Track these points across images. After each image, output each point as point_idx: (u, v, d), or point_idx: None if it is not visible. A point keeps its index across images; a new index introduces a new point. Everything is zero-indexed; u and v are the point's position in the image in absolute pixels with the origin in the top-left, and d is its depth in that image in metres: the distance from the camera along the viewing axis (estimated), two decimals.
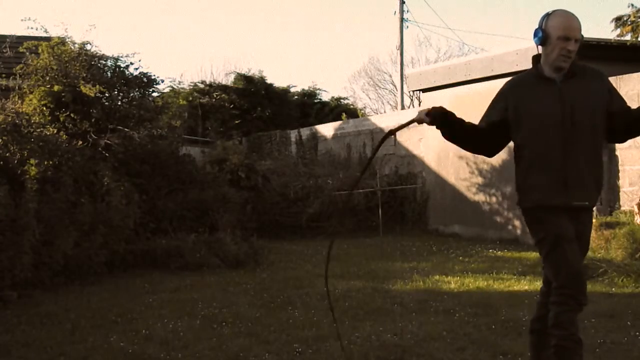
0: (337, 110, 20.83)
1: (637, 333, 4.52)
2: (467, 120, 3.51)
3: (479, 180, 11.03)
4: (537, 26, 3.27)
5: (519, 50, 9.78)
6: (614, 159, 8.91)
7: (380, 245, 10.02)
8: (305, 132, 15.70)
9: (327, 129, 15.30)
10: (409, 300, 5.92)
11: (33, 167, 7.04)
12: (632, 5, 9.99)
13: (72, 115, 8.90)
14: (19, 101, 8.83)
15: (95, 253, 7.44)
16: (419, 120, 3.54)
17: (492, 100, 3.47)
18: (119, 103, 9.78)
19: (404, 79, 19.61)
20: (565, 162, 3.19)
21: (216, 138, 15.55)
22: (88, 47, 9.56)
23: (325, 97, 22.79)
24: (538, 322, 3.39)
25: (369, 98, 36.76)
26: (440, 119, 3.48)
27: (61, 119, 8.82)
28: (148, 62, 48.42)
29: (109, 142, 9.07)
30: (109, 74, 9.67)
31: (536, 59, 3.36)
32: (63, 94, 8.90)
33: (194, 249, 8.28)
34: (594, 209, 3.57)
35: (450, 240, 10.61)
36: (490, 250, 9.26)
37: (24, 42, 9.63)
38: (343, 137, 14.50)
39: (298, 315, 5.43)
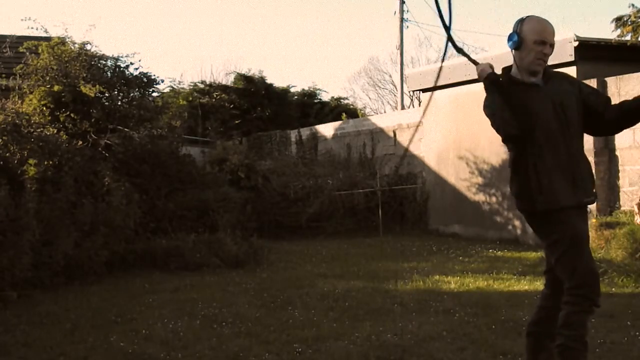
0: (337, 110, 20.82)
1: (637, 333, 4.52)
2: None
3: (479, 180, 11.03)
4: (511, 31, 3.30)
5: None
6: (614, 159, 8.91)
7: (380, 245, 10.02)
8: (305, 132, 15.70)
9: (327, 129, 15.30)
10: (409, 300, 5.92)
11: (32, 167, 7.04)
12: (633, 5, 9.97)
13: (72, 115, 8.90)
14: (19, 101, 8.84)
15: (95, 253, 7.44)
16: (481, 71, 3.29)
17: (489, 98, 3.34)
18: (119, 103, 9.78)
19: (404, 79, 19.61)
20: (569, 161, 3.23)
21: (216, 138, 15.55)
22: (88, 47, 9.57)
23: (325, 97, 22.79)
24: (536, 325, 3.39)
25: (369, 98, 36.82)
26: (496, 80, 3.24)
27: (61, 119, 8.82)
28: (148, 62, 48.55)
29: (109, 142, 9.08)
30: (109, 74, 9.67)
31: (507, 70, 3.37)
32: (63, 94, 8.91)
33: (194, 249, 8.28)
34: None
35: (450, 240, 10.61)
36: (490, 250, 9.25)
37: (24, 42, 9.63)
38: (343, 137, 14.50)
39: (298, 315, 5.43)
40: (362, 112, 23.52)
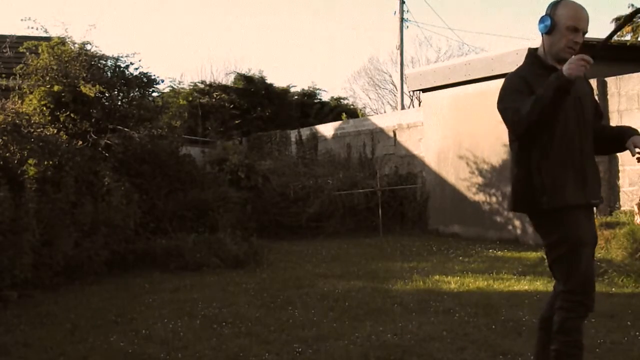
0: (337, 110, 20.81)
1: (637, 333, 4.52)
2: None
3: (479, 180, 11.03)
4: (544, 13, 3.13)
5: (519, 50, 9.77)
6: (614, 159, 8.91)
7: (380, 245, 10.02)
8: (305, 132, 15.70)
9: (327, 129, 15.30)
10: (409, 300, 5.92)
11: (32, 168, 7.04)
12: (632, 5, 9.99)
13: (72, 115, 8.90)
14: (19, 101, 8.83)
15: (95, 253, 7.44)
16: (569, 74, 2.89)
17: (512, 90, 3.14)
18: (119, 103, 9.78)
19: (404, 79, 19.61)
20: (582, 160, 3.11)
21: (216, 138, 15.55)
22: (88, 47, 9.56)
23: (325, 97, 22.79)
24: (547, 321, 3.28)
25: (369, 98, 36.75)
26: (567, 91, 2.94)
27: (61, 119, 8.82)
28: (148, 62, 48.48)
29: (109, 142, 9.07)
30: (109, 74, 9.66)
31: (532, 52, 3.24)
32: (63, 94, 8.91)
33: (194, 249, 8.28)
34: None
35: (450, 240, 10.61)
36: (490, 250, 9.25)
37: (24, 42, 9.62)
38: (343, 137, 14.50)
39: (298, 315, 5.43)
40: (362, 112, 23.51)
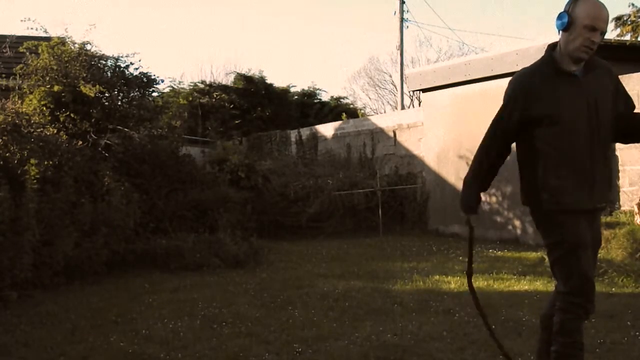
0: (337, 110, 20.82)
1: (637, 333, 4.52)
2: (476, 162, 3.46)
3: None
4: (562, 10, 3.07)
5: (519, 50, 9.78)
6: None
7: (380, 245, 10.02)
8: (305, 132, 15.70)
9: (327, 129, 15.30)
10: (409, 300, 5.92)
11: (33, 167, 7.04)
12: (632, 5, 9.99)
13: (72, 115, 8.90)
14: (19, 101, 8.83)
15: (95, 253, 7.44)
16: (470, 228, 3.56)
17: (504, 108, 3.18)
18: (119, 103, 9.78)
19: (404, 79, 19.61)
20: (592, 164, 3.05)
21: (216, 138, 15.55)
22: (88, 47, 9.57)
23: (325, 97, 22.80)
24: (550, 319, 3.27)
25: (369, 98, 36.78)
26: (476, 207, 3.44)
27: (61, 119, 8.82)
28: (148, 62, 48.49)
29: (109, 142, 9.08)
30: (109, 74, 9.67)
31: (552, 47, 3.15)
32: (63, 94, 8.91)
33: (194, 249, 8.28)
34: None
35: (450, 240, 10.61)
36: (490, 250, 9.25)
37: (24, 42, 9.63)
38: (343, 137, 14.50)
39: (298, 315, 5.43)
40: (362, 112, 23.51)
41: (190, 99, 19.42)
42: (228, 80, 22.53)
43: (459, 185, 11.72)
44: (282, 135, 16.30)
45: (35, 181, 6.87)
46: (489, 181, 3.43)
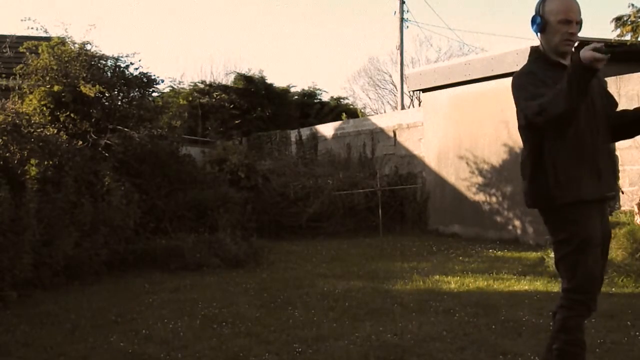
0: (337, 110, 20.82)
1: (637, 333, 4.52)
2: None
3: (479, 180, 11.03)
4: (533, 13, 3.10)
5: (519, 50, 9.78)
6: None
7: (380, 245, 10.02)
8: (305, 132, 15.70)
9: (327, 129, 15.30)
10: (409, 300, 5.92)
11: (33, 167, 7.04)
12: (632, 5, 9.96)
13: (72, 115, 8.90)
14: (19, 101, 8.84)
15: (95, 253, 7.44)
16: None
17: (527, 84, 3.07)
18: (119, 103, 9.78)
19: (404, 79, 19.61)
20: (596, 152, 3.06)
21: (216, 138, 15.54)
22: (88, 47, 9.57)
23: (325, 97, 22.80)
24: None
25: (369, 98, 36.83)
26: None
27: (61, 119, 8.82)
28: (148, 62, 48.52)
29: (109, 142, 9.08)
30: (109, 74, 9.67)
31: (535, 49, 3.19)
32: (63, 94, 8.91)
33: (194, 249, 8.28)
34: None
35: (450, 240, 10.61)
36: (490, 250, 9.25)
37: (24, 42, 9.63)
38: (343, 137, 14.50)
39: (298, 315, 5.43)
40: (362, 112, 23.52)
41: (190, 99, 19.42)
42: (228, 80, 22.53)
43: (459, 185, 11.81)
44: (282, 135, 16.30)
45: (35, 181, 6.88)
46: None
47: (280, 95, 20.42)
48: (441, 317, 5.22)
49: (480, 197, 11.03)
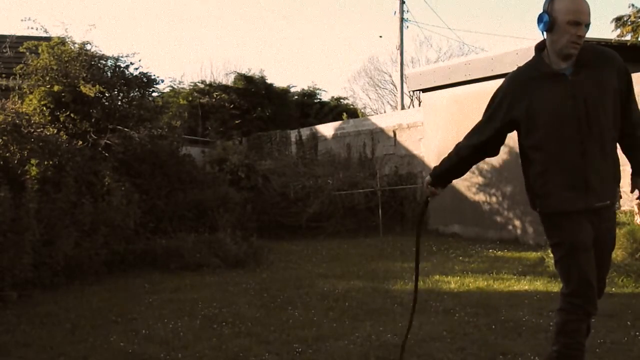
0: (337, 110, 20.83)
1: (637, 333, 4.52)
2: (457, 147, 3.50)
3: (479, 180, 11.03)
4: (541, 11, 3.01)
5: (519, 50, 9.78)
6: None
7: (380, 245, 10.02)
8: (305, 132, 15.70)
9: (327, 129, 15.30)
10: (409, 300, 5.90)
11: (34, 168, 7.04)
12: (633, 5, 9.96)
13: (72, 115, 8.90)
14: (19, 101, 8.83)
15: (95, 253, 7.44)
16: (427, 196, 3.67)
17: (493, 103, 3.20)
18: (119, 103, 9.77)
19: (404, 79, 19.62)
20: (584, 163, 2.97)
21: (216, 138, 15.55)
22: (88, 47, 9.55)
23: (325, 97, 22.82)
24: None
25: (369, 98, 36.85)
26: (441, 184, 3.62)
27: (61, 119, 8.82)
28: (148, 62, 48.54)
29: (109, 142, 9.07)
30: (109, 74, 9.66)
31: (539, 47, 3.10)
32: (63, 94, 8.91)
33: (194, 249, 8.28)
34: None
35: (450, 240, 10.61)
36: (490, 250, 9.25)
37: (24, 42, 9.62)
38: (343, 137, 14.50)
39: (298, 315, 5.43)
40: (362, 112, 23.52)
41: (190, 99, 19.43)
42: (228, 80, 22.55)
43: (459, 185, 11.79)
44: (282, 135, 16.30)
45: (35, 181, 6.88)
46: (456, 175, 3.59)
47: (280, 95, 20.42)
48: (441, 317, 5.22)
49: (480, 197, 11.03)
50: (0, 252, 6.07)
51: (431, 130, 12.00)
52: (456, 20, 52.98)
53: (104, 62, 9.69)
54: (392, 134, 13.21)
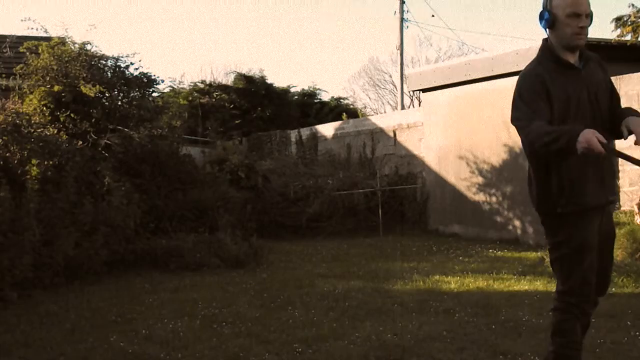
0: (337, 110, 20.81)
1: (637, 333, 4.52)
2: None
3: (479, 180, 11.03)
4: (541, 9, 3.03)
5: (519, 50, 9.78)
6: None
7: (380, 245, 10.02)
8: (305, 132, 15.70)
9: (327, 129, 15.30)
10: (409, 300, 5.92)
11: (34, 168, 7.04)
12: (633, 5, 9.98)
13: (72, 115, 8.90)
14: (19, 101, 8.83)
15: (95, 253, 7.44)
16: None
17: (530, 90, 3.00)
18: (119, 103, 9.78)
19: (404, 79, 19.62)
20: (599, 157, 2.91)
21: (216, 138, 15.55)
22: (88, 47, 9.56)
23: (325, 97, 22.80)
24: None
25: (369, 98, 36.91)
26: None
27: (61, 119, 8.82)
28: (148, 62, 48.56)
29: (109, 142, 9.08)
30: (109, 74, 9.67)
31: (546, 44, 3.10)
32: (63, 94, 8.91)
33: (194, 249, 8.28)
34: None
35: (450, 240, 10.61)
36: (490, 250, 9.25)
37: (24, 42, 9.63)
38: (343, 137, 14.50)
39: (298, 315, 5.43)
40: (362, 112, 23.51)
41: (190, 99, 19.42)
42: (228, 80, 22.56)
43: (459, 185, 11.80)
44: (282, 135, 16.30)
45: (35, 181, 6.88)
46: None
47: (280, 95, 20.42)
48: (441, 317, 5.22)
49: (480, 197, 11.03)
50: (0, 252, 6.07)
51: (431, 130, 11.99)
52: (456, 20, 53.01)
53: (104, 62, 9.70)
54: (392, 134, 13.21)
